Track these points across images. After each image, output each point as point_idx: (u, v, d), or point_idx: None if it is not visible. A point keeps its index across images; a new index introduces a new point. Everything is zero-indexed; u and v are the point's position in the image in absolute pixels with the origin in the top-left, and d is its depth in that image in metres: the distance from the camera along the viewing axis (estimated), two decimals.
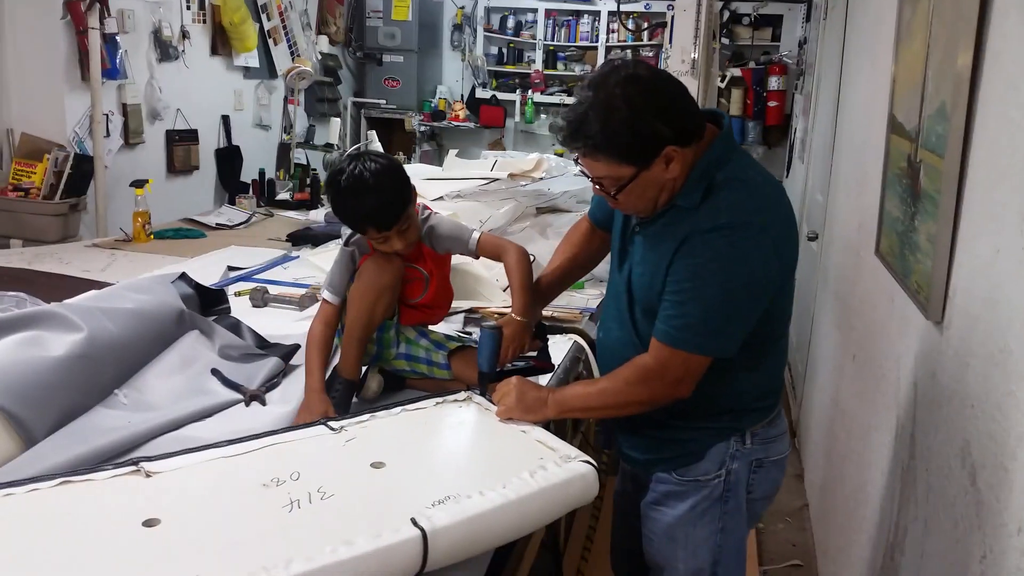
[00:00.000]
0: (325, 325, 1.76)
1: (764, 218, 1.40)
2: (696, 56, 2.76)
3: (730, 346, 1.43)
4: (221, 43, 4.94)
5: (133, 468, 1.26)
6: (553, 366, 1.77)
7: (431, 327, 1.90)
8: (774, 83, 6.28)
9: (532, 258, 2.49)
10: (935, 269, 1.52)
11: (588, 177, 1.46)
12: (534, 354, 1.71)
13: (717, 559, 1.58)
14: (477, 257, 1.84)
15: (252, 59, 5.23)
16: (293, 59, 5.56)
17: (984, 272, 1.31)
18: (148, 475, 1.25)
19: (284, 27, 5.55)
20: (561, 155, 5.87)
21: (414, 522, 1.13)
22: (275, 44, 5.49)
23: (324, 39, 6.18)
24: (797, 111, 5.70)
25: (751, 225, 1.37)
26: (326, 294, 1.78)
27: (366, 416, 1.49)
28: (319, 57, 6.09)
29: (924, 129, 1.67)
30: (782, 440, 1.60)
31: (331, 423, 1.46)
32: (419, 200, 1.80)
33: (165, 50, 4.47)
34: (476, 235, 1.81)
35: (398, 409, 1.53)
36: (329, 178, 1.70)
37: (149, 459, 1.29)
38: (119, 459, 1.47)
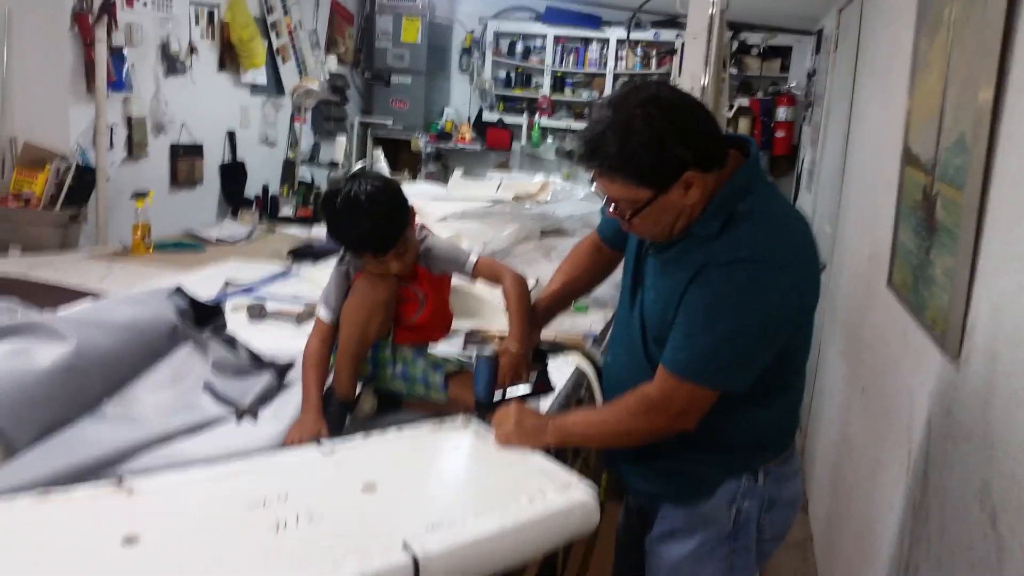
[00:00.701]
0: (321, 343, 1.72)
1: (786, 255, 1.34)
2: (706, 84, 2.73)
3: (739, 382, 1.37)
4: (229, 59, 4.94)
5: (116, 484, 1.21)
6: (552, 388, 1.73)
7: (430, 348, 1.85)
8: (782, 114, 6.27)
9: (535, 282, 2.46)
10: (952, 304, 1.47)
11: (602, 197, 1.41)
12: (532, 379, 1.66)
13: None
14: (474, 280, 1.80)
15: (260, 76, 5.22)
16: (301, 77, 5.55)
17: (1007, 309, 1.26)
18: (131, 492, 1.20)
19: (293, 45, 5.55)
20: (568, 179, 5.87)
21: (405, 546, 1.08)
22: (283, 62, 5.49)
23: (333, 58, 6.18)
24: (805, 141, 5.68)
25: (771, 261, 1.32)
26: (321, 311, 1.74)
27: (359, 438, 1.44)
28: (327, 76, 6.09)
29: (941, 161, 1.63)
30: (795, 479, 1.54)
31: (323, 444, 1.41)
32: (418, 219, 1.76)
33: (172, 64, 4.46)
34: (473, 258, 1.77)
35: (392, 431, 1.48)
36: (326, 198, 1.66)
37: (133, 475, 1.24)
38: (102, 473, 1.42)
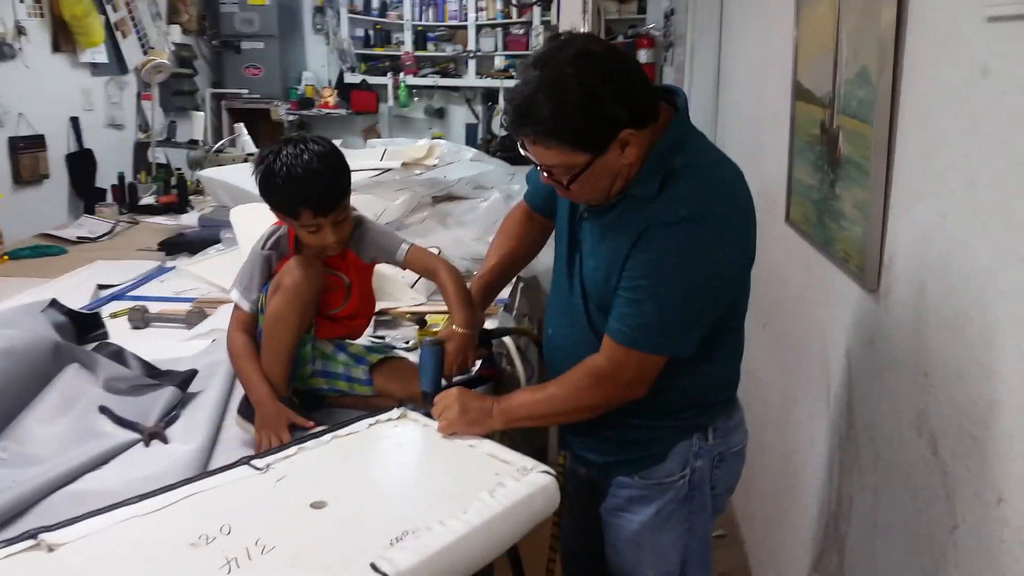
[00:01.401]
0: (245, 333, 1.62)
1: (726, 209, 1.31)
2: (586, 29, 2.69)
3: (688, 345, 1.34)
4: (63, 39, 4.51)
5: (31, 542, 1.07)
6: (500, 373, 1.65)
7: (350, 341, 1.74)
8: (643, 56, 6.33)
9: (438, 250, 2.37)
10: (868, 237, 1.50)
11: (537, 165, 1.33)
12: (476, 364, 1.59)
13: (685, 559, 1.51)
14: (403, 269, 1.70)
15: (99, 54, 4.81)
16: (145, 51, 5.15)
17: (930, 238, 1.29)
18: (51, 549, 1.06)
19: (132, 18, 5.14)
20: (438, 138, 5.75)
21: (375, 568, 1.01)
22: (124, 37, 5.07)
23: (176, 28, 5.78)
24: (668, 83, 5.77)
25: (712, 218, 1.28)
26: (240, 300, 1.62)
27: (293, 448, 1.34)
28: (172, 48, 5.69)
29: (842, 95, 1.65)
30: (740, 429, 1.53)
31: (255, 462, 1.30)
32: None
33: (0, 49, 4.03)
34: (405, 247, 1.66)
35: (328, 436, 1.39)
36: (261, 159, 1.52)
37: (48, 529, 1.10)
38: (7, 528, 1.27)
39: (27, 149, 4.30)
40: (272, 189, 1.52)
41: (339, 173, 1.54)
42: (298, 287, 1.53)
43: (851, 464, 1.65)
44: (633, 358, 1.32)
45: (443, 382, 1.50)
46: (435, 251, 2.15)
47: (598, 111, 1.21)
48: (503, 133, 6.61)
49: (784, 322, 2.29)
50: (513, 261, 1.70)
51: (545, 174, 1.32)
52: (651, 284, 1.29)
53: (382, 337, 2.15)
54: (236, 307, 1.63)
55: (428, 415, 1.45)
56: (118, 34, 5.04)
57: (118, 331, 2.21)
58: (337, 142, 3.85)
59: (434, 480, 1.26)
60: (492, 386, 1.73)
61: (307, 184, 1.48)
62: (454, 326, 1.54)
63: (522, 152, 1.32)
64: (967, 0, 1.18)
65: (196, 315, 2.30)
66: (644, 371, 1.34)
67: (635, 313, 1.30)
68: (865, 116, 1.51)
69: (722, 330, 1.41)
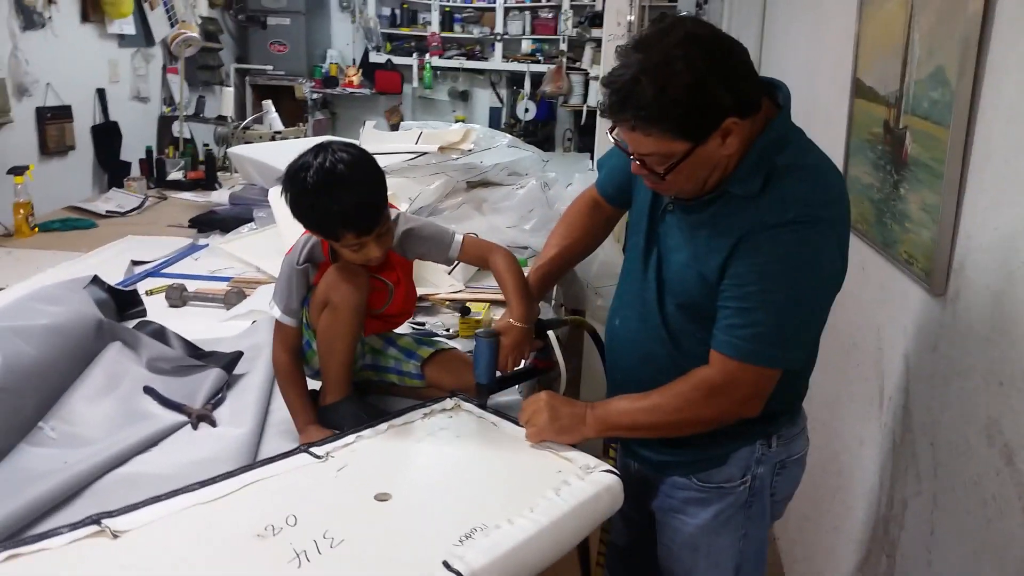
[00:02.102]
0: (290, 352, 1.55)
1: (832, 212, 1.25)
2: (632, 19, 2.64)
3: (801, 356, 1.29)
4: (92, 9, 4.48)
5: (95, 527, 1.05)
6: (556, 365, 1.62)
7: (397, 331, 1.72)
8: None
9: (475, 236, 2.34)
10: (938, 240, 1.46)
11: (627, 153, 1.26)
12: (533, 355, 1.56)
13: (739, 565, 1.47)
14: (454, 264, 1.65)
15: (127, 26, 4.78)
16: (172, 24, 5.11)
17: (1010, 245, 1.25)
18: (115, 535, 1.05)
19: None
20: (461, 122, 5.70)
21: (447, 566, 0.99)
22: (151, 9, 5.03)
23: (203, 2, 5.75)
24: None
25: (820, 220, 1.22)
26: (282, 317, 1.54)
27: (351, 437, 1.32)
28: (198, 21, 5.65)
29: (911, 95, 1.61)
30: (802, 436, 1.49)
31: (314, 449, 1.28)
32: None
33: (29, 17, 4.00)
34: (458, 241, 1.59)
35: (384, 425, 1.37)
36: (290, 176, 1.43)
37: (110, 514, 1.08)
38: (61, 510, 1.26)
39: (54, 120, 4.28)
40: (307, 212, 1.43)
41: (377, 187, 1.45)
42: (347, 302, 1.47)
43: (906, 468, 1.62)
44: (749, 373, 1.25)
45: (497, 374, 1.47)
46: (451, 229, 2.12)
47: (705, 96, 1.15)
48: (528, 117, 6.57)
49: (832, 321, 2.23)
50: (574, 253, 1.65)
51: (637, 163, 1.25)
52: (760, 291, 1.22)
53: (422, 324, 2.13)
54: (278, 323, 1.56)
55: (482, 406, 1.42)
56: (146, 6, 5.01)
57: (155, 309, 2.19)
58: (371, 124, 3.80)
59: (496, 475, 1.24)
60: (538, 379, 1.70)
61: (345, 203, 1.39)
62: (511, 319, 1.49)
63: (611, 139, 1.27)
64: None
65: (235, 295, 2.28)
66: (762, 386, 1.28)
67: (747, 323, 1.24)
68: (939, 118, 1.47)
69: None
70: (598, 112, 1.27)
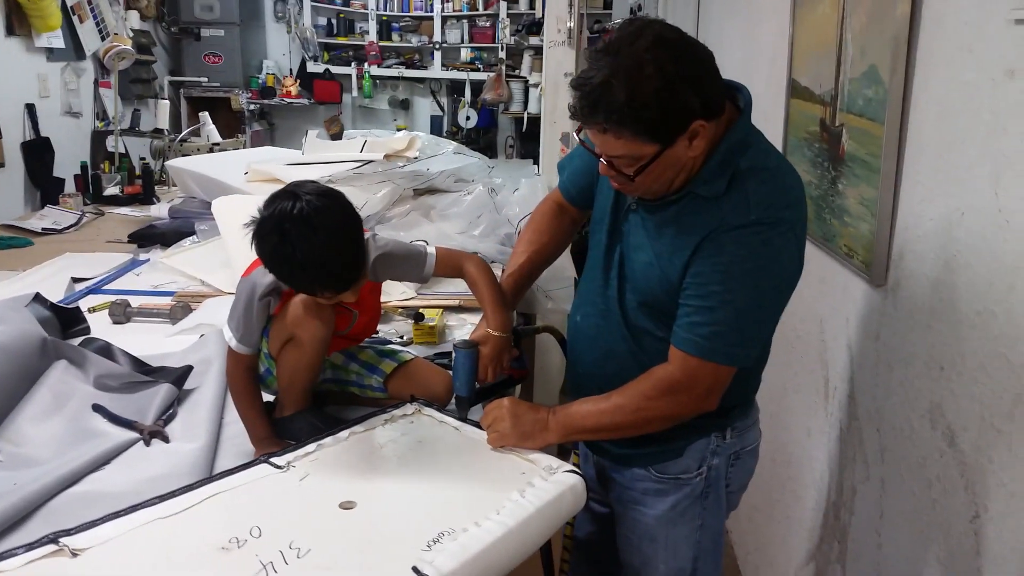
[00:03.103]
0: (247, 371, 1.49)
1: (792, 214, 1.28)
2: (572, 25, 2.67)
3: (757, 353, 1.33)
4: (18, 22, 4.34)
5: (53, 547, 1.03)
6: (528, 372, 1.61)
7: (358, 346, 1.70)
8: None
9: (425, 243, 2.34)
10: (877, 233, 1.52)
11: (595, 155, 1.28)
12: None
13: (697, 555, 1.50)
14: (426, 281, 1.62)
15: (56, 39, 4.64)
16: (103, 37, 5.00)
17: (944, 235, 1.31)
18: (74, 553, 1.03)
19: (89, 2, 4.97)
20: (402, 129, 5.69)
21: (417, 572, 0.99)
22: (81, 21, 4.90)
23: (134, 14, 5.63)
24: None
25: (782, 222, 1.24)
26: (238, 347, 1.47)
27: (312, 446, 1.31)
28: (130, 34, 5.53)
29: (846, 93, 1.67)
30: (755, 427, 1.53)
31: (275, 459, 1.27)
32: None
33: None
34: (432, 252, 1.55)
35: (345, 433, 1.36)
36: (261, 231, 1.33)
37: (68, 532, 1.06)
38: (13, 532, 1.22)
39: None
40: (283, 274, 1.37)
41: (357, 250, 1.39)
42: (314, 338, 1.43)
43: (854, 455, 1.67)
44: (708, 369, 1.28)
45: (476, 385, 1.46)
46: (422, 244, 2.11)
47: (674, 99, 1.17)
48: (470, 125, 6.59)
49: None
50: (543, 257, 1.65)
51: (605, 164, 1.27)
52: (723, 290, 1.25)
53: (376, 332, 2.12)
54: (233, 351, 1.48)
55: (464, 419, 1.41)
56: (75, 18, 4.88)
57: (99, 326, 2.14)
58: (313, 133, 3.76)
59: (460, 479, 1.24)
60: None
61: (325, 273, 1.34)
62: (488, 329, 1.48)
63: (579, 139, 1.29)
64: (989, 3, 1.20)
65: (181, 309, 2.24)
66: (719, 381, 1.31)
67: (707, 321, 1.26)
68: (874, 114, 1.53)
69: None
70: (568, 114, 1.26)
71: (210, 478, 1.24)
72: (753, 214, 1.24)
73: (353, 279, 1.38)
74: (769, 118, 2.29)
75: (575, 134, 1.30)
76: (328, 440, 1.33)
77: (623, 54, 1.16)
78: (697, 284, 1.27)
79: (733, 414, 1.44)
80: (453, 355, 1.46)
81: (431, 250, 1.56)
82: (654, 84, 1.15)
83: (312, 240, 1.30)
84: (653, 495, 1.48)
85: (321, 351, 1.48)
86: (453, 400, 1.50)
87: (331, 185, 1.48)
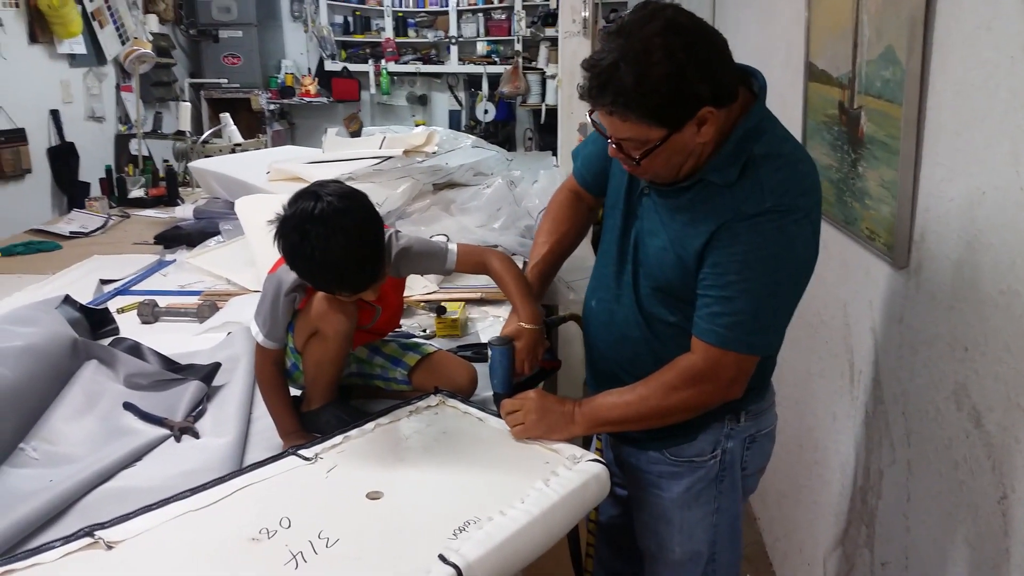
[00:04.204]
0: (276, 366, 1.52)
1: (807, 201, 1.28)
2: (587, 15, 2.67)
3: (778, 341, 1.34)
4: (40, 29, 4.41)
5: (88, 540, 1.06)
6: (560, 364, 1.63)
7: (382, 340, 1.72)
8: None
9: (446, 238, 2.36)
10: (898, 215, 1.51)
11: (605, 136, 1.28)
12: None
13: (714, 539, 1.51)
14: (448, 274, 1.63)
15: (78, 45, 4.71)
16: (123, 42, 5.06)
17: (967, 214, 1.30)
18: (109, 546, 1.05)
19: (109, 7, 5.03)
20: (420, 125, 5.71)
21: (443, 559, 1.01)
22: (101, 27, 4.97)
23: (153, 18, 5.68)
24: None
25: (796, 209, 1.24)
26: (265, 342, 1.49)
27: (339, 438, 1.33)
28: (149, 38, 5.59)
29: (864, 75, 1.66)
30: (771, 411, 1.53)
31: (303, 451, 1.29)
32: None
33: None
34: (453, 254, 1.56)
35: (371, 425, 1.38)
36: (285, 230, 1.35)
37: (102, 526, 1.09)
38: (50, 528, 1.25)
39: (8, 143, 4.22)
40: (303, 272, 1.39)
41: (376, 253, 1.39)
42: (338, 332, 1.45)
43: (880, 439, 1.67)
44: (730, 358, 1.28)
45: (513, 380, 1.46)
46: (442, 239, 2.12)
47: (682, 85, 1.16)
48: (488, 118, 6.59)
49: (800, 301, 2.30)
50: (564, 247, 1.66)
51: (614, 146, 1.27)
52: (741, 279, 1.25)
53: (398, 326, 2.14)
54: (260, 346, 1.51)
55: (499, 415, 1.40)
56: (95, 24, 4.95)
57: (127, 326, 2.18)
58: (332, 131, 3.79)
59: (485, 469, 1.26)
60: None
61: (343, 274, 1.36)
62: (521, 323, 1.48)
63: (590, 120, 1.30)
64: None
65: (208, 308, 2.27)
66: (743, 370, 1.31)
67: (727, 312, 1.26)
68: (892, 96, 1.52)
69: None
70: (578, 95, 1.27)
71: (240, 471, 1.26)
72: (768, 202, 1.24)
73: (371, 280, 1.39)
74: (787, 102, 2.28)
75: (588, 115, 1.30)
76: (354, 432, 1.35)
77: (634, 37, 1.16)
78: (716, 275, 1.27)
79: (748, 398, 1.44)
80: (489, 353, 1.45)
81: (452, 246, 1.58)
82: (663, 69, 1.15)
83: (331, 241, 1.31)
84: (668, 478, 1.49)
85: (345, 345, 1.49)
86: (491, 396, 1.49)
87: (351, 182, 1.49)
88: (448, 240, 1.66)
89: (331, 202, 1.34)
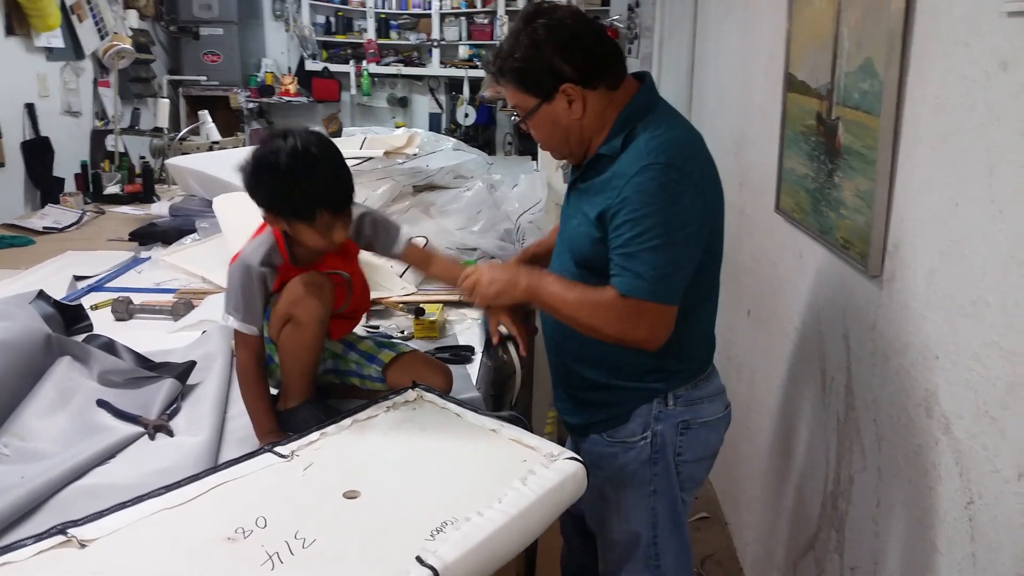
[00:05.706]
0: (253, 356, 1.51)
1: (684, 160, 1.42)
2: None
3: (679, 293, 1.44)
4: (18, 21, 4.35)
5: (61, 538, 1.04)
6: (537, 330, 1.79)
7: (355, 331, 1.72)
8: None
9: (425, 240, 2.36)
10: (873, 224, 1.54)
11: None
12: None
13: (654, 522, 1.60)
14: (398, 258, 1.67)
15: (55, 38, 4.65)
16: (102, 36, 5.01)
17: (940, 225, 1.32)
18: (82, 544, 1.04)
19: (88, 1, 4.98)
20: (400, 127, 5.70)
21: (420, 561, 1.00)
22: (80, 21, 4.92)
23: (133, 13, 5.63)
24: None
25: (672, 166, 1.39)
26: (242, 326, 1.48)
27: (315, 435, 1.33)
28: (129, 33, 5.53)
29: (842, 86, 1.68)
30: (711, 402, 1.61)
31: (278, 448, 1.28)
32: None
33: None
34: (406, 235, 1.63)
35: (348, 421, 1.38)
36: (262, 161, 1.40)
37: (75, 523, 1.07)
38: (22, 525, 1.24)
39: None
40: (283, 194, 1.40)
41: (345, 165, 1.46)
42: (313, 317, 1.46)
43: (851, 445, 1.69)
44: (637, 306, 1.41)
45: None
46: (422, 241, 2.13)
47: (538, 59, 1.43)
48: (468, 122, 6.60)
49: (772, 308, 2.33)
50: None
51: (514, 117, 1.55)
52: (633, 236, 1.39)
53: (376, 327, 2.14)
54: (240, 333, 1.50)
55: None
56: (74, 18, 4.89)
57: (101, 323, 2.15)
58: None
59: (463, 467, 1.26)
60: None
61: (322, 182, 1.40)
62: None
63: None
64: None
65: (183, 306, 2.25)
66: (652, 321, 1.43)
67: (629, 267, 1.40)
68: (869, 107, 1.54)
69: (695, 288, 1.49)
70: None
71: (215, 468, 1.25)
72: (645, 160, 1.40)
73: (348, 196, 1.46)
74: (767, 112, 2.31)
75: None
76: (331, 428, 1.34)
77: (517, 21, 1.49)
78: (616, 236, 1.42)
79: (674, 380, 1.57)
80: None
81: (404, 228, 1.66)
82: (525, 42, 1.44)
83: (308, 154, 1.40)
84: (605, 458, 1.61)
85: (320, 332, 1.50)
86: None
87: None
88: (427, 241, 1.67)
89: (302, 135, 1.42)
